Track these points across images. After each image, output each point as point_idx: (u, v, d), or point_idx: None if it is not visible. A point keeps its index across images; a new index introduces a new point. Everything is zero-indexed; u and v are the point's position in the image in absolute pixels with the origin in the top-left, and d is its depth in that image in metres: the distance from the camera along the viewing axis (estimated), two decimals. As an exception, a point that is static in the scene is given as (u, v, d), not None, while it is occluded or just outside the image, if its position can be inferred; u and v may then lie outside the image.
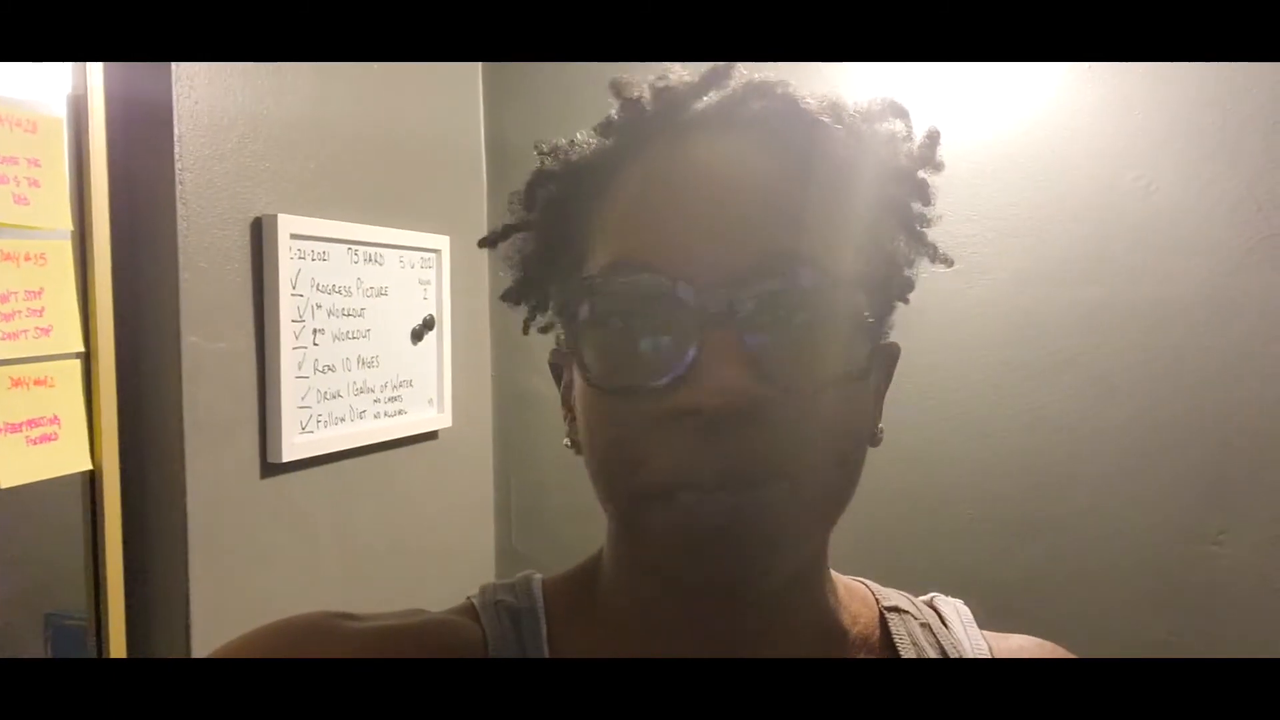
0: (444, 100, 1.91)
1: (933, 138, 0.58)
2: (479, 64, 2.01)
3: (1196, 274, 1.59)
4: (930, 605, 0.65)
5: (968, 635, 0.63)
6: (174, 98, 1.32)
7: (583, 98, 1.91)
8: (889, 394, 0.60)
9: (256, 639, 0.53)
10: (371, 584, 1.67)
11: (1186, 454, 1.61)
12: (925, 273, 0.60)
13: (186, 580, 1.34)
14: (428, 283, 1.82)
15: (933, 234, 0.59)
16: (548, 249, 0.58)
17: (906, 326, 0.60)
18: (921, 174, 0.58)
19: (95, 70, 1.25)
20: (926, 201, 0.59)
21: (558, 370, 0.61)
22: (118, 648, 1.29)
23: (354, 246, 1.63)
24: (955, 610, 0.65)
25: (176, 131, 1.32)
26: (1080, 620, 1.64)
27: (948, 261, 0.60)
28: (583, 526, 0.55)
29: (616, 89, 0.56)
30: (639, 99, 0.55)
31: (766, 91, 0.54)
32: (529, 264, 0.60)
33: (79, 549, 1.27)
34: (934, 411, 1.73)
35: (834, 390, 0.49)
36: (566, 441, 0.60)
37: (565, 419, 0.60)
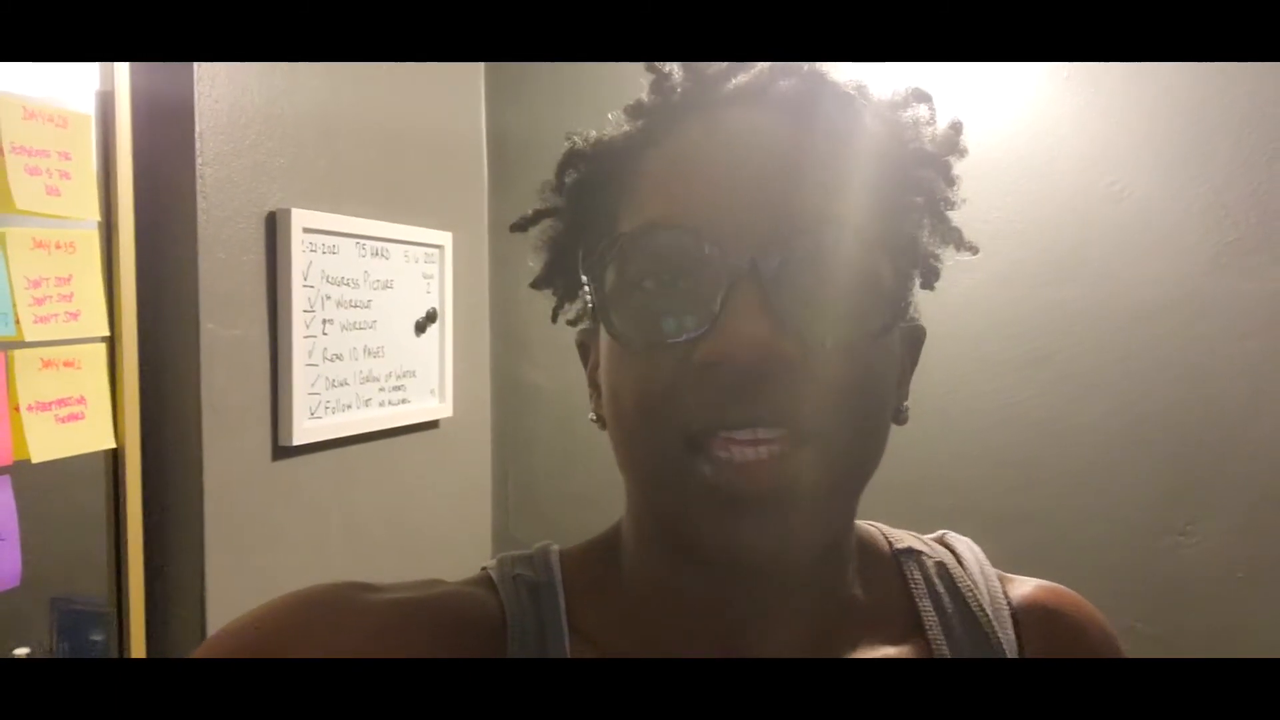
0: (447, 100, 1.98)
1: (956, 126, 0.59)
2: (481, 65, 2.08)
3: (1168, 276, 1.66)
4: (942, 543, 0.66)
5: (984, 574, 0.63)
6: (195, 97, 1.38)
7: (583, 96, 1.99)
8: None
9: (277, 609, 0.52)
10: (374, 564, 1.74)
11: (1156, 449, 1.68)
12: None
13: (202, 555, 1.40)
14: (431, 277, 1.89)
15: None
16: (576, 230, 0.59)
17: None
18: (945, 159, 0.59)
19: (122, 70, 1.31)
20: (951, 184, 0.59)
21: (585, 350, 0.62)
22: (137, 626, 1.35)
23: (362, 241, 1.70)
24: (969, 548, 0.66)
25: (198, 129, 1.39)
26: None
27: (973, 249, 0.62)
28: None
29: (650, 68, 0.57)
30: (670, 76, 0.56)
31: (793, 70, 0.55)
32: (558, 247, 0.61)
33: (102, 526, 1.34)
34: (914, 406, 1.79)
35: (856, 349, 0.50)
36: (592, 416, 0.61)
37: (590, 396, 0.61)
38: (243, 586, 1.45)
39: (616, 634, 0.56)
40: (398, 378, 1.81)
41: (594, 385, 0.60)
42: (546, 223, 0.62)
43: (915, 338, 0.61)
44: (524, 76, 2.08)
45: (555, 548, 0.61)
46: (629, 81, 0.59)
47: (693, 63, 0.55)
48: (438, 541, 1.93)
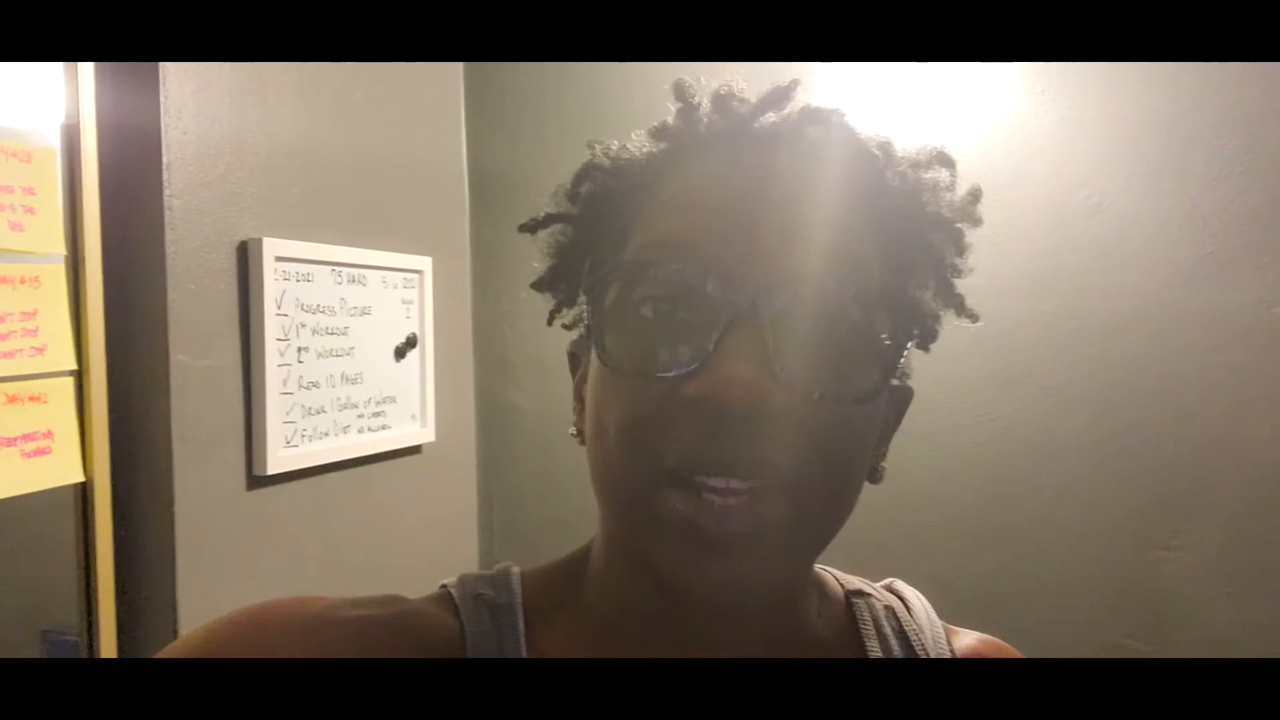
0: (426, 126, 1.98)
1: (975, 194, 0.59)
2: (461, 90, 2.09)
3: (1146, 287, 1.65)
4: (891, 590, 0.67)
5: (930, 620, 0.64)
6: (163, 127, 1.39)
7: (564, 124, 1.99)
8: None
9: (230, 623, 0.53)
10: (356, 593, 1.73)
11: (1139, 461, 1.67)
12: None
13: (174, 587, 1.40)
14: (410, 302, 1.89)
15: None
16: (585, 240, 0.59)
17: None
18: (959, 225, 0.58)
19: (88, 101, 1.32)
20: (961, 252, 0.59)
21: (575, 360, 0.62)
22: (109, 652, 1.35)
23: (337, 268, 1.70)
24: (917, 597, 0.67)
25: (165, 160, 1.39)
26: (1037, 624, 1.70)
27: (974, 317, 0.61)
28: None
29: (678, 92, 0.57)
30: (698, 106, 0.56)
31: (823, 119, 0.55)
32: (564, 253, 0.61)
33: (72, 558, 1.33)
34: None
35: (843, 405, 0.50)
36: (573, 430, 0.60)
37: (574, 410, 0.61)
38: (217, 614, 1.44)
39: (575, 655, 0.56)
40: (377, 404, 1.81)
41: (579, 398, 0.60)
42: (556, 227, 0.62)
43: (903, 398, 0.61)
44: (505, 100, 2.08)
45: (516, 569, 0.61)
46: (613, 107, 0.59)
47: (725, 89, 0.56)
48: (422, 567, 1.92)
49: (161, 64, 1.38)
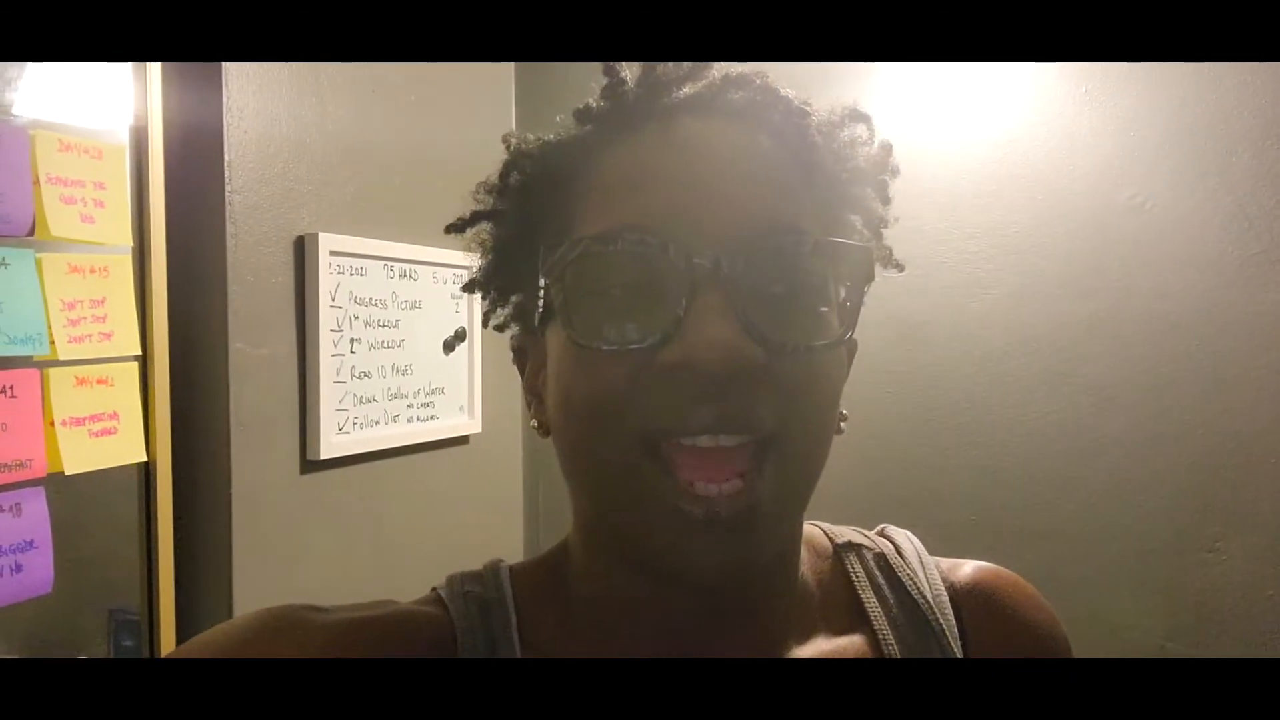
0: (478, 125, 2.04)
1: (886, 147, 0.60)
2: (512, 89, 2.14)
3: (1190, 288, 1.64)
4: (883, 535, 0.68)
5: (922, 564, 0.65)
6: (225, 127, 1.46)
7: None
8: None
9: (229, 631, 0.53)
10: (402, 577, 1.78)
11: (1182, 463, 1.66)
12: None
13: (230, 566, 1.46)
14: (459, 297, 1.94)
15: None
16: (521, 232, 0.58)
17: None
18: (883, 178, 0.60)
19: (155, 102, 1.39)
20: (886, 201, 0.61)
21: (523, 355, 0.62)
22: (168, 633, 1.42)
23: (390, 263, 1.76)
24: (908, 539, 0.67)
25: (227, 158, 1.46)
26: (1077, 625, 1.68)
27: (899, 266, 0.63)
28: None
29: (607, 70, 0.56)
30: (624, 81, 0.56)
31: (745, 83, 0.56)
32: (500, 249, 0.61)
33: (135, 537, 1.41)
34: (936, 422, 1.80)
35: (814, 354, 0.50)
36: (534, 423, 0.60)
37: (529, 404, 0.61)
38: (270, 594, 1.51)
39: (568, 646, 0.57)
40: (426, 394, 1.87)
41: (533, 393, 0.60)
42: (482, 226, 0.62)
43: (853, 349, 0.61)
44: (554, 98, 2.13)
45: (506, 565, 0.62)
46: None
47: (648, 65, 0.56)
48: (469, 554, 1.95)
49: (224, 67, 1.45)
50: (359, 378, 1.70)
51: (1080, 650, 0.69)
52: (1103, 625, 1.69)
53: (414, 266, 1.82)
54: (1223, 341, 1.62)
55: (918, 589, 0.63)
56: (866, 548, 0.65)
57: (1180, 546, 1.66)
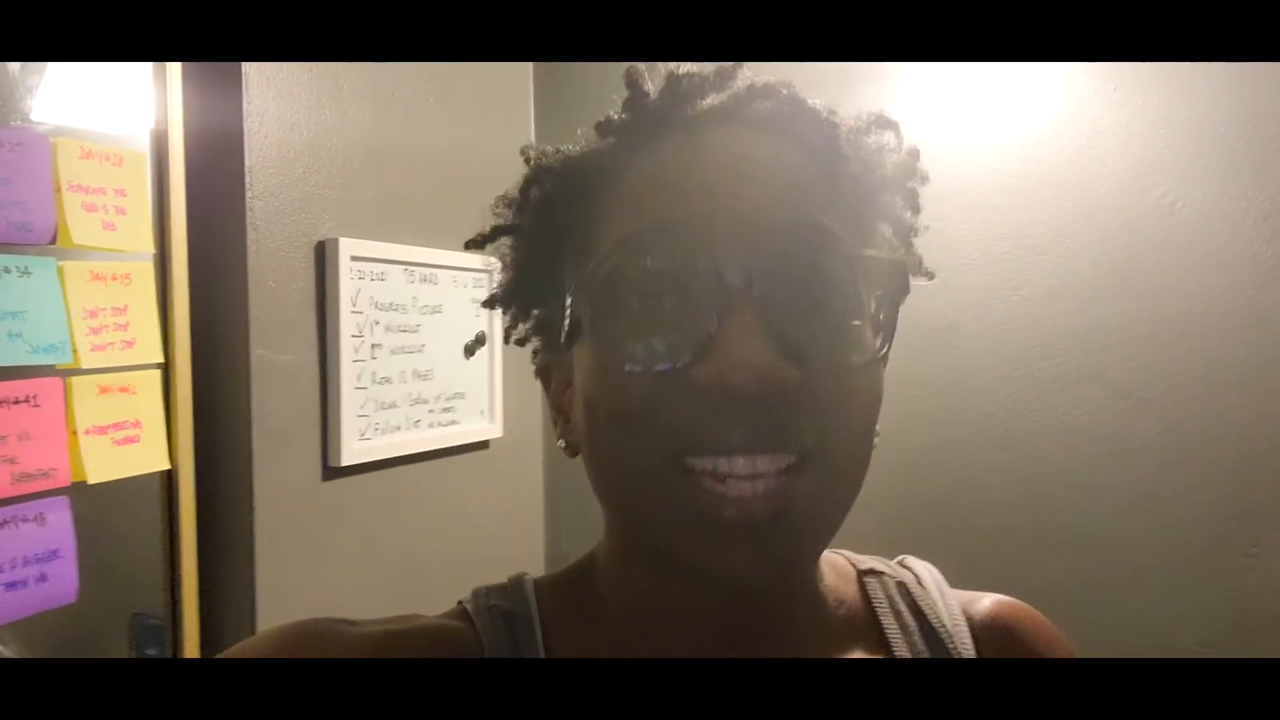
0: (497, 129, 2.03)
1: (914, 153, 0.59)
2: (530, 92, 2.13)
3: (1222, 289, 1.61)
4: (903, 565, 0.67)
5: (941, 594, 0.64)
6: (245, 133, 1.45)
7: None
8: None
9: (261, 643, 0.53)
10: (425, 584, 1.78)
11: (1216, 467, 1.63)
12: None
13: (253, 572, 1.45)
14: (480, 300, 1.93)
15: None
16: (545, 247, 0.57)
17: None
18: (911, 185, 0.59)
19: (175, 108, 1.38)
20: (916, 210, 0.60)
21: (547, 374, 0.61)
22: (191, 639, 1.41)
23: (410, 267, 1.75)
24: (928, 569, 0.67)
25: (247, 163, 1.45)
26: (1111, 630, 1.67)
27: (929, 275, 0.62)
28: None
29: (630, 78, 0.55)
30: (646, 93, 0.55)
31: (771, 93, 0.54)
32: (520, 266, 0.60)
33: (158, 543, 1.40)
34: (965, 425, 1.77)
35: (851, 371, 0.49)
36: (561, 444, 0.59)
37: (556, 423, 0.60)
38: (293, 600, 1.50)
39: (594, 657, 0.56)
40: (447, 399, 1.86)
41: (560, 411, 0.59)
42: (505, 241, 0.61)
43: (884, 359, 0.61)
44: (573, 104, 2.12)
45: (530, 577, 0.61)
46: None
47: (671, 75, 0.54)
48: (491, 559, 1.96)
49: (244, 73, 1.45)
50: (380, 383, 1.69)
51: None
52: (1138, 631, 1.66)
53: (434, 270, 1.81)
54: (1255, 342, 1.59)
55: (938, 618, 0.62)
56: (888, 575, 0.65)
57: (1217, 551, 1.63)
